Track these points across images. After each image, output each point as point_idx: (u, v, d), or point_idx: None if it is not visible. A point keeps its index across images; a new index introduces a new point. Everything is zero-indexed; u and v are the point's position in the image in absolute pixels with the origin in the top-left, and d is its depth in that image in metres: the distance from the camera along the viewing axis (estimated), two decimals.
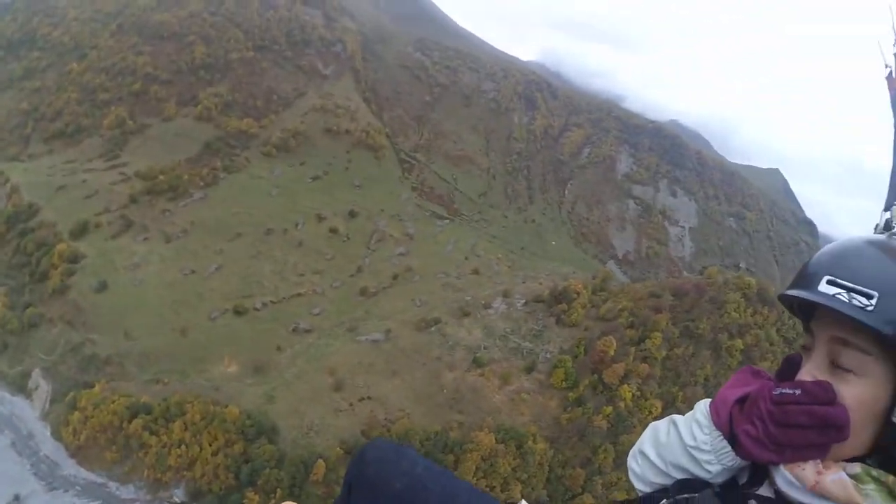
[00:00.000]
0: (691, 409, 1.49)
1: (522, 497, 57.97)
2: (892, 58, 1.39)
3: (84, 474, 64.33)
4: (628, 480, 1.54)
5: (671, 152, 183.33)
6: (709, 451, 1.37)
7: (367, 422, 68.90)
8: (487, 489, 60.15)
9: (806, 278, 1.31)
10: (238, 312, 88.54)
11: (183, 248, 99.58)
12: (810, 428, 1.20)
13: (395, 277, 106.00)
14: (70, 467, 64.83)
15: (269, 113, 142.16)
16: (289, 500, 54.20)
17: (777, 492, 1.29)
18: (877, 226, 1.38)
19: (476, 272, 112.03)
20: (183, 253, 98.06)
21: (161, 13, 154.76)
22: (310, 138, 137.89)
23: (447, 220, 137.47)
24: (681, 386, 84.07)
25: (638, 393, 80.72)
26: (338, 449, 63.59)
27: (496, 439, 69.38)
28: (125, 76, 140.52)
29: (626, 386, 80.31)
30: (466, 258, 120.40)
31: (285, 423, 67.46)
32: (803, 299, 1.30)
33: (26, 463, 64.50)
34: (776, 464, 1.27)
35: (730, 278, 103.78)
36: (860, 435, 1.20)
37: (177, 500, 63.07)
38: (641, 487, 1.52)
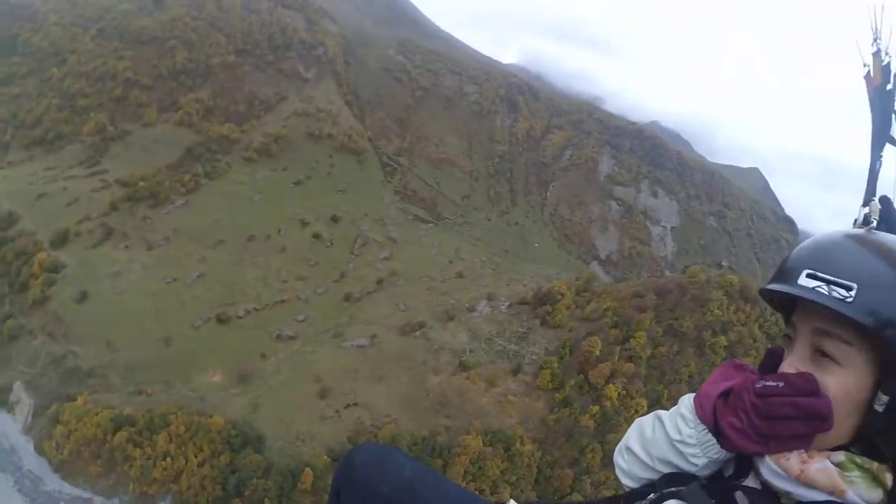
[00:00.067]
0: (676, 405, 1.52)
1: (511, 498, 58.04)
2: (871, 57, 1.42)
3: (68, 489, 63.26)
4: (616, 479, 1.57)
5: (652, 153, 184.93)
6: (694, 445, 1.39)
7: (353, 428, 68.68)
8: (477, 492, 60.07)
9: (786, 273, 1.34)
10: (221, 320, 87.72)
11: (165, 255, 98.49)
12: (794, 419, 1.22)
13: (379, 282, 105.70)
14: (54, 482, 63.70)
15: (250, 118, 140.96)
16: None
17: (763, 482, 1.31)
18: (855, 220, 1.40)
19: (460, 275, 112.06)
20: (165, 261, 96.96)
21: (142, 17, 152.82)
22: (292, 143, 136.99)
23: (430, 224, 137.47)
24: (666, 384, 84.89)
25: (624, 392, 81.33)
26: (325, 457, 63.22)
27: (484, 442, 69.53)
28: (106, 81, 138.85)
29: (611, 385, 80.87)
30: (450, 261, 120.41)
31: (271, 432, 66.94)
32: (784, 293, 1.32)
33: (10, 479, 63.38)
34: (761, 455, 1.29)
35: (712, 276, 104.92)
36: (843, 424, 1.23)
37: None
38: (628, 483, 1.53)
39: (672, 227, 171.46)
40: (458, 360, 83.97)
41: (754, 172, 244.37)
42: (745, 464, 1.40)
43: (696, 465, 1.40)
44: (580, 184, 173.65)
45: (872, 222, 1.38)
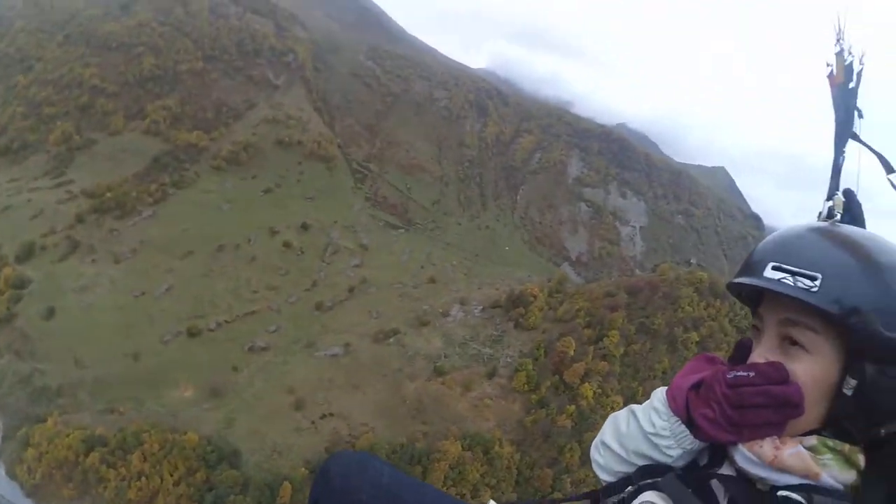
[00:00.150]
0: (649, 398, 1.54)
1: (492, 500, 58.05)
2: (834, 57, 1.45)
3: None
4: (595, 476, 1.59)
5: (620, 155, 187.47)
6: (668, 437, 1.41)
7: (330, 439, 67.93)
8: (458, 497, 60.03)
9: (752, 266, 1.36)
10: (192, 334, 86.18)
11: (132, 268, 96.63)
12: (766, 407, 1.25)
13: (351, 290, 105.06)
14: None
15: (218, 125, 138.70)
16: None
17: (738, 470, 1.32)
18: (820, 213, 1.43)
19: (432, 281, 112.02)
20: (132, 274, 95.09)
21: (109, 23, 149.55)
22: (261, 150, 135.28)
23: (401, 230, 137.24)
24: (640, 381, 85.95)
25: (599, 390, 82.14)
26: (303, 469, 62.44)
27: (462, 447, 69.52)
28: (72, 89, 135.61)
29: (587, 384, 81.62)
30: (422, 267, 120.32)
31: (247, 447, 65.86)
32: (751, 286, 1.35)
33: None
34: (735, 443, 1.31)
35: (682, 274, 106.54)
36: (814, 409, 1.25)
37: None
38: (605, 477, 1.53)
39: (641, 227, 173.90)
40: (433, 365, 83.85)
41: (720, 171, 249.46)
42: (719, 453, 1.42)
43: (670, 456, 1.42)
44: (549, 187, 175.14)
45: (837, 215, 1.41)
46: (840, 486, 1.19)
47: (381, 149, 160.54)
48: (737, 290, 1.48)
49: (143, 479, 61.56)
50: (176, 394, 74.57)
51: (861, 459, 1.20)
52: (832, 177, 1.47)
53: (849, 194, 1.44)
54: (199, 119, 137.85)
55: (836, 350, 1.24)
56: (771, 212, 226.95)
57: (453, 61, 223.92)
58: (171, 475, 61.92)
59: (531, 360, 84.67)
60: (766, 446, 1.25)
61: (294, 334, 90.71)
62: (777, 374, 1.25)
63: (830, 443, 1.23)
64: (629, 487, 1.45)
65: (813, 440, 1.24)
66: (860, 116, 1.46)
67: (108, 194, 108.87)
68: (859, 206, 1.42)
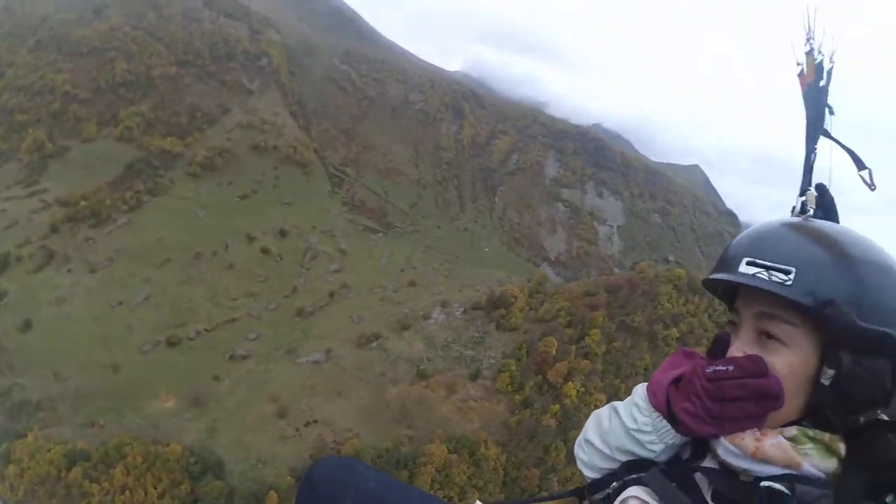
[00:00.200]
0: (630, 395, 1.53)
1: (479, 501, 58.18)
2: (804, 56, 1.48)
3: None
4: (581, 473, 1.58)
5: (596, 155, 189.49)
6: (650, 432, 1.42)
7: (315, 446, 67.41)
8: (445, 499, 59.95)
9: (727, 262, 1.38)
10: (171, 343, 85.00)
11: (109, 278, 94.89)
12: (746, 400, 1.26)
13: (331, 295, 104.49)
14: None
15: (193, 131, 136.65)
16: None
17: (721, 462, 1.33)
18: (793, 208, 1.46)
19: (412, 284, 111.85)
20: (109, 283, 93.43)
21: (81, 27, 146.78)
22: (236, 156, 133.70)
23: (380, 234, 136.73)
24: (623, 378, 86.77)
25: (582, 389, 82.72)
26: (288, 478, 61.87)
27: (448, 449, 69.49)
28: (44, 95, 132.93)
29: (570, 383, 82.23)
30: (402, 270, 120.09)
31: (231, 457, 65.13)
32: (726, 281, 1.37)
33: None
34: (717, 436, 1.32)
35: (660, 271, 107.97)
36: (793, 401, 1.27)
37: None
38: (590, 474, 1.53)
39: (618, 226, 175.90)
40: (415, 369, 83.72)
41: (695, 169, 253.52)
42: (701, 446, 1.42)
43: (653, 451, 1.42)
44: (527, 187, 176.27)
45: (810, 210, 1.44)
46: (822, 475, 1.21)
47: (357, 153, 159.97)
48: (713, 286, 1.49)
49: (128, 492, 60.60)
50: (157, 405, 73.51)
51: (841, 448, 1.22)
52: (804, 173, 1.50)
53: (821, 189, 1.47)
54: (172, 125, 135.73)
55: (813, 342, 1.26)
56: (746, 208, 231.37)
57: (428, 64, 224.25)
58: (155, 488, 61.01)
59: (514, 360, 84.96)
60: (748, 438, 1.27)
61: (275, 341, 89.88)
62: (756, 367, 1.27)
63: (811, 432, 1.25)
64: (614, 483, 1.46)
65: (793, 430, 1.26)
66: (831, 113, 1.49)
67: (83, 203, 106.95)
68: (832, 200, 1.44)
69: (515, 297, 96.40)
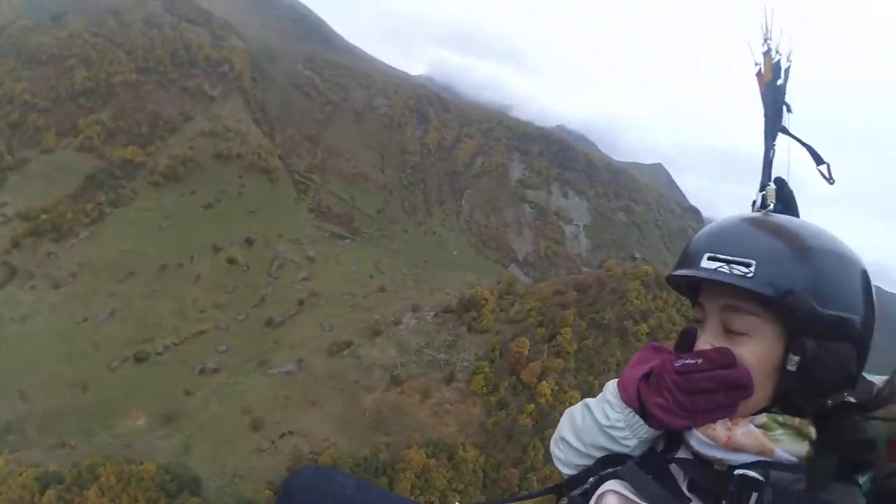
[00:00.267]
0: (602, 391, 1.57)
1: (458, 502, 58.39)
2: (762, 56, 1.51)
3: None
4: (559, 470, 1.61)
5: (560, 156, 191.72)
6: (623, 428, 1.43)
7: (292, 458, 66.48)
8: None
9: (688, 258, 1.41)
10: (139, 359, 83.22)
11: (73, 293, 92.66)
12: (716, 391, 1.29)
13: (300, 304, 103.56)
14: None
15: (154, 139, 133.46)
16: None
17: (695, 453, 1.36)
18: (754, 202, 1.49)
19: (382, 289, 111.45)
20: (73, 299, 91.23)
21: (40, 34, 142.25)
22: (199, 164, 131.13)
23: (348, 240, 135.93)
24: (596, 374, 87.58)
25: (556, 387, 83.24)
26: (266, 491, 60.92)
27: (427, 454, 69.22)
28: (3, 105, 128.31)
29: (544, 382, 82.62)
30: (371, 276, 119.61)
31: (207, 473, 63.75)
32: (689, 277, 1.40)
33: None
34: (689, 428, 1.34)
35: (628, 269, 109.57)
36: (762, 389, 1.30)
37: None
38: (567, 471, 1.55)
39: (584, 225, 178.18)
40: (389, 375, 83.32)
41: (658, 168, 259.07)
42: (674, 438, 1.45)
43: (628, 446, 1.44)
44: (493, 190, 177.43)
45: (770, 204, 1.47)
46: (795, 459, 1.24)
47: (322, 159, 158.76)
48: (675, 283, 1.52)
49: None
50: (128, 423, 71.73)
51: (812, 431, 1.26)
52: (764, 169, 1.53)
53: (780, 183, 1.50)
54: (133, 133, 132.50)
55: (777, 330, 1.29)
56: (708, 204, 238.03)
57: (392, 68, 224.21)
58: None
59: (487, 362, 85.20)
60: (719, 428, 1.29)
61: (245, 353, 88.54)
62: (724, 359, 1.29)
63: (780, 418, 1.28)
64: (591, 478, 1.47)
65: (763, 418, 1.28)
66: (789, 111, 1.53)
67: (44, 216, 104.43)
68: (791, 192, 1.50)
69: (486, 299, 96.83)
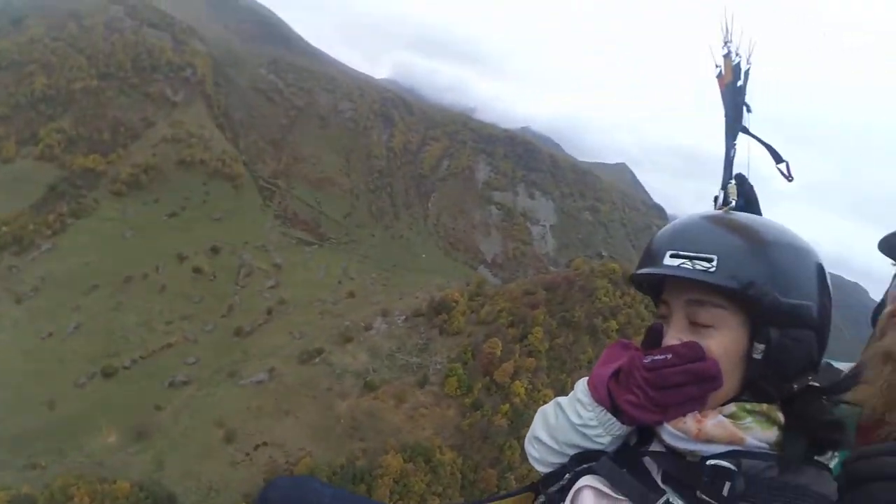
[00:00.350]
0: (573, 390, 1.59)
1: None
2: (722, 59, 1.56)
3: None
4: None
5: (525, 157, 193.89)
6: (596, 426, 1.46)
7: (267, 469, 65.69)
8: None
9: (651, 256, 1.43)
10: (107, 374, 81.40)
11: (36, 307, 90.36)
12: (687, 385, 1.32)
13: (269, 312, 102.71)
14: None
15: (116, 147, 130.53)
16: None
17: (667, 446, 1.38)
18: (716, 199, 1.53)
19: (352, 295, 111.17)
20: (37, 313, 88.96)
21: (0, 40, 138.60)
22: (162, 172, 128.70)
23: (315, 246, 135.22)
24: (568, 372, 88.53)
25: (530, 386, 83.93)
26: (243, 503, 60.47)
27: (404, 459, 68.97)
28: None
29: (517, 382, 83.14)
30: (340, 282, 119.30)
31: (181, 488, 62.51)
32: (653, 274, 1.42)
33: None
34: (661, 423, 1.37)
35: (595, 267, 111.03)
36: (730, 379, 1.33)
37: None
38: (542, 469, 1.58)
39: (551, 226, 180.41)
40: (362, 381, 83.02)
41: (622, 167, 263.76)
42: (647, 431, 1.47)
43: (601, 444, 1.47)
44: (460, 192, 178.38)
45: (731, 201, 1.50)
46: (765, 446, 1.28)
47: (287, 164, 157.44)
48: (638, 281, 1.55)
49: None
50: (99, 440, 69.91)
51: (780, 416, 1.31)
52: (725, 167, 1.57)
53: (740, 179, 1.54)
54: (95, 141, 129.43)
55: (741, 321, 1.33)
56: (672, 201, 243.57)
57: (356, 72, 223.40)
58: None
59: (460, 364, 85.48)
60: (689, 421, 1.32)
61: (215, 364, 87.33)
62: (693, 353, 1.32)
63: (748, 406, 1.32)
64: (567, 475, 1.50)
65: (732, 408, 1.32)
66: (749, 111, 1.57)
67: (5, 228, 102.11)
68: (751, 188, 1.53)
69: (456, 302, 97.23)
